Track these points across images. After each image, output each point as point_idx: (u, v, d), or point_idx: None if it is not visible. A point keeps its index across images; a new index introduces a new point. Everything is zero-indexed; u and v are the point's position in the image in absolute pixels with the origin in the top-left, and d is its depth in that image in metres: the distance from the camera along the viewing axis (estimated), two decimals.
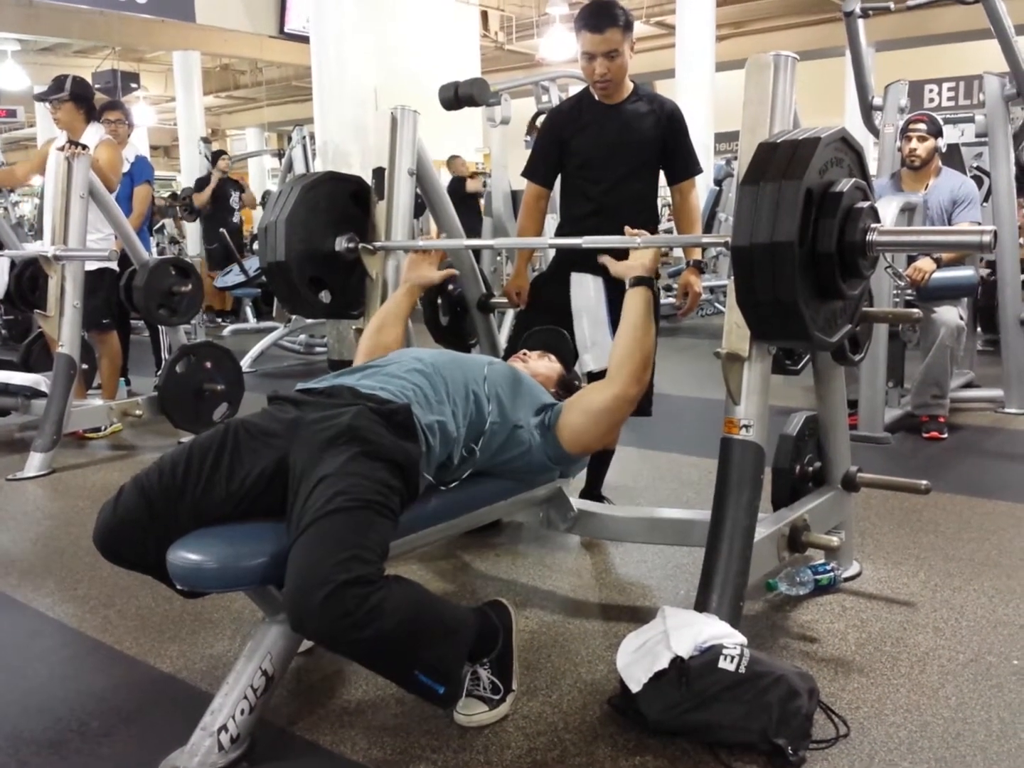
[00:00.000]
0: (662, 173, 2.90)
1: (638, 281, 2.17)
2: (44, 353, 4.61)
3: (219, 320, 9.34)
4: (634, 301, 2.16)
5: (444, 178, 8.79)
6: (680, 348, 6.83)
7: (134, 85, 12.42)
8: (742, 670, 1.71)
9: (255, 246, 8.30)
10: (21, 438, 4.50)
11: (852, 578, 2.52)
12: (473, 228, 6.79)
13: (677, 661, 1.73)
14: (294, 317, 6.66)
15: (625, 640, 1.88)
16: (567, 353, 2.62)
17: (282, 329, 6.88)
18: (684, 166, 2.87)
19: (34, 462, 3.83)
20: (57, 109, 4.44)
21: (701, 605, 1.95)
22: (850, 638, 2.19)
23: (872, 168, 2.33)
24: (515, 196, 6.27)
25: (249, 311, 8.75)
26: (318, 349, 7.11)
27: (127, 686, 2.05)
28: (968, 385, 4.85)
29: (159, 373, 4.49)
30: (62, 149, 4.04)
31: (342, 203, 2.80)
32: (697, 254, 2.96)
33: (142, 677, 2.09)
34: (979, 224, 4.25)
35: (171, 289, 4.33)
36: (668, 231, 5.31)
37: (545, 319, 2.76)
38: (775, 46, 2.21)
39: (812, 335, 1.86)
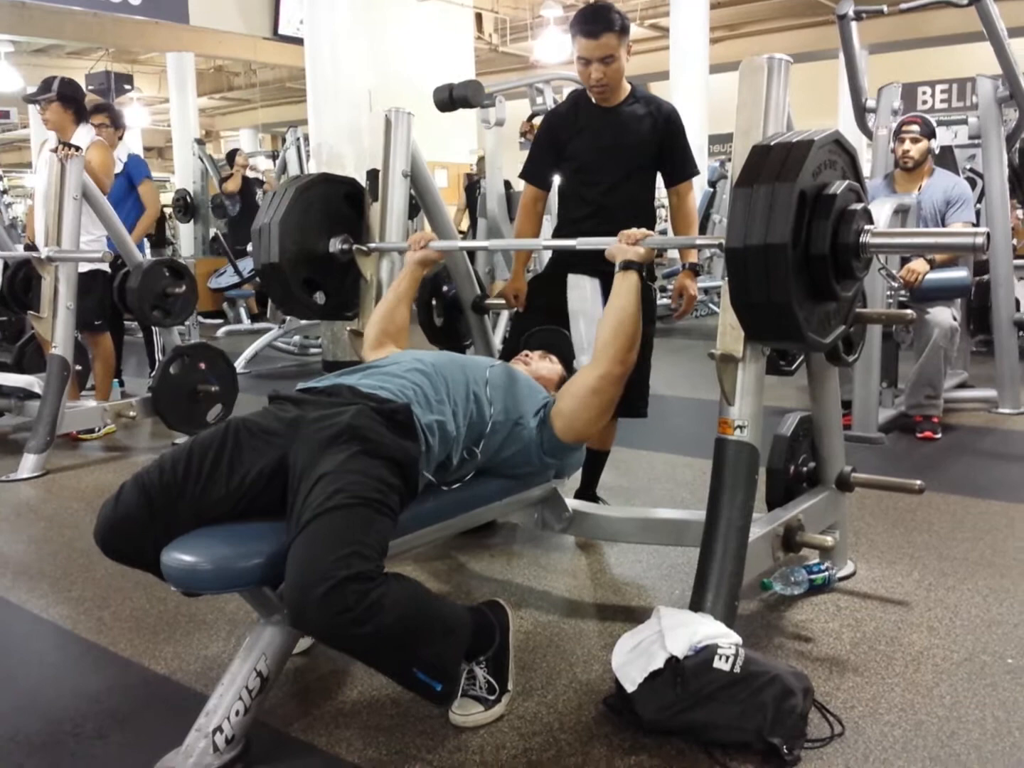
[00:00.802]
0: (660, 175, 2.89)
1: (628, 265, 2.17)
2: (37, 354, 4.59)
3: (202, 319, 9.29)
4: (622, 284, 2.16)
5: (439, 179, 8.79)
6: (674, 349, 6.84)
7: (128, 87, 12.42)
8: (737, 670, 1.72)
9: None
10: (14, 439, 4.49)
11: (846, 578, 2.53)
12: None
13: (672, 661, 1.74)
14: (288, 318, 6.65)
15: (620, 640, 1.89)
16: (568, 353, 2.62)
17: (276, 330, 6.86)
18: (681, 168, 2.86)
19: (28, 463, 3.83)
20: (45, 110, 4.42)
21: (696, 605, 1.96)
22: (845, 637, 2.20)
23: (865, 170, 2.34)
24: (510, 198, 6.26)
25: (243, 311, 8.73)
26: (312, 350, 7.09)
27: (121, 688, 2.05)
28: (962, 385, 4.87)
29: (153, 374, 4.47)
30: (55, 151, 4.03)
31: (336, 205, 2.80)
32: (693, 257, 2.95)
33: (136, 678, 2.08)
34: (973, 224, 4.26)
35: (165, 291, 4.32)
36: (664, 232, 5.31)
37: (542, 321, 2.75)
38: (769, 48, 2.22)
39: (806, 336, 1.87)
